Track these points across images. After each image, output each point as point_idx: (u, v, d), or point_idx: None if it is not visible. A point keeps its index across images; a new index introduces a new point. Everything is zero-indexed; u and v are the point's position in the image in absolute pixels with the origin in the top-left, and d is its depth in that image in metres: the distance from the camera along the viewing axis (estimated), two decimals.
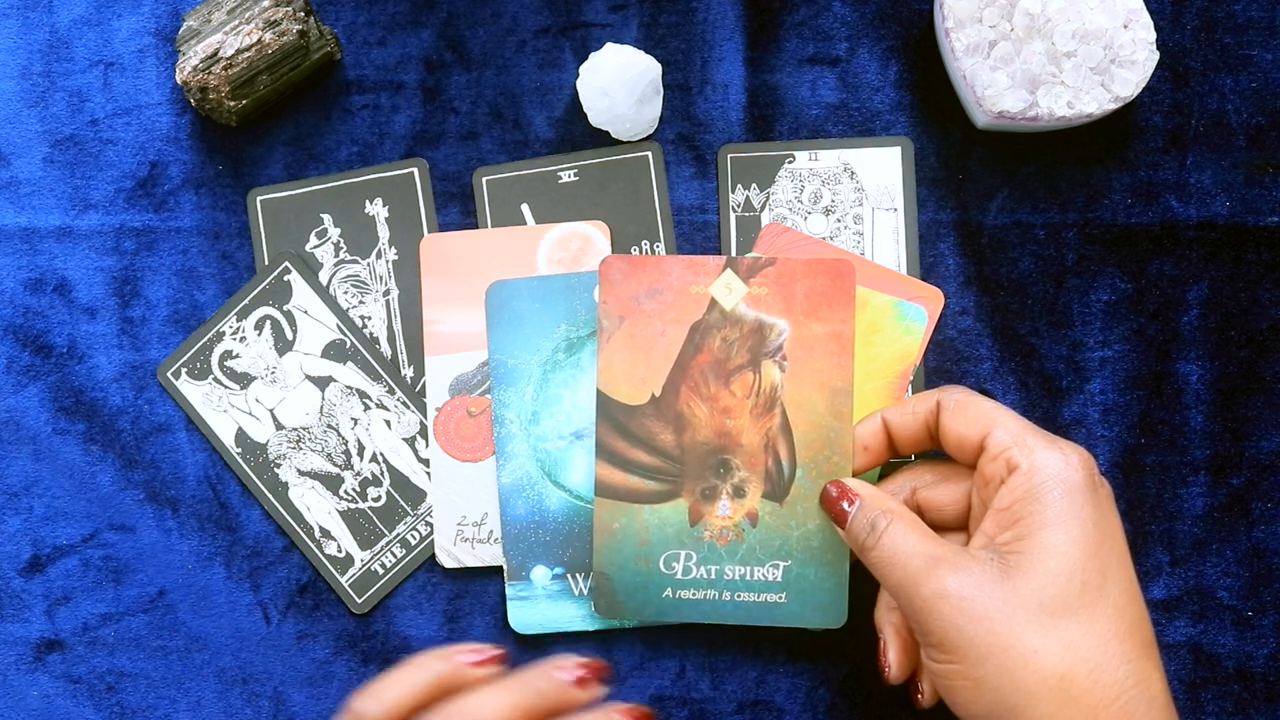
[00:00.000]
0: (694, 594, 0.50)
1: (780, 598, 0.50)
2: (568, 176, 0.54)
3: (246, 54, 0.51)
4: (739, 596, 0.50)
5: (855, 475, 0.49)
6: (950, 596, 0.42)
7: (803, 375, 0.50)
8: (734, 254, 0.53)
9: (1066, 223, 0.54)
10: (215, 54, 0.51)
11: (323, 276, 0.54)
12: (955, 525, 0.48)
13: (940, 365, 0.53)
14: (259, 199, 0.54)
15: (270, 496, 0.53)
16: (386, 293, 0.54)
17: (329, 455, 0.53)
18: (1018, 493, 0.43)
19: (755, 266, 0.50)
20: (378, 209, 0.54)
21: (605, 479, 0.51)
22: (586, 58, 0.53)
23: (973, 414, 0.46)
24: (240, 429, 0.53)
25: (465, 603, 0.53)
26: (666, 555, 0.50)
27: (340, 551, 0.53)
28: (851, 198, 0.54)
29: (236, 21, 0.51)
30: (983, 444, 0.45)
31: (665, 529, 0.50)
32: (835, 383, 0.50)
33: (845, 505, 0.47)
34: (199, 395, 0.54)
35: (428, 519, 0.53)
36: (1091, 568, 0.42)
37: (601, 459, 0.51)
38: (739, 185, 0.54)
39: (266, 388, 0.54)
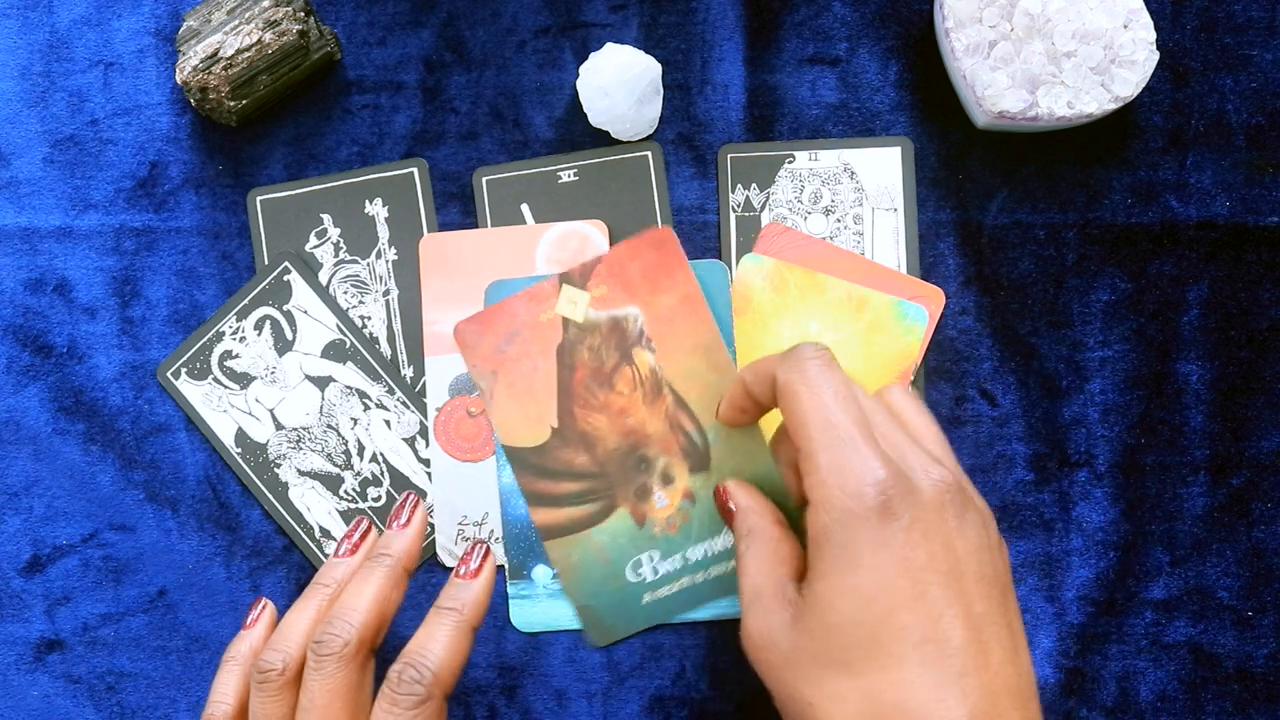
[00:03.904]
0: (670, 589, 0.51)
1: None
2: (568, 176, 0.54)
3: (246, 54, 0.51)
4: (711, 572, 0.51)
5: (729, 425, 0.47)
6: (750, 639, 0.41)
7: (672, 347, 0.51)
8: (734, 254, 0.54)
9: (1066, 223, 0.54)
10: (215, 54, 0.51)
11: (323, 276, 0.54)
12: None
13: (940, 365, 0.53)
14: (259, 199, 0.54)
15: (270, 496, 0.53)
16: (386, 293, 0.54)
17: (329, 455, 0.53)
18: (812, 529, 0.40)
19: (586, 271, 0.51)
20: (378, 209, 0.54)
21: (544, 522, 0.51)
22: (586, 58, 0.54)
23: (788, 409, 0.41)
24: (240, 429, 0.53)
25: None
26: (630, 564, 0.51)
27: None
28: (851, 198, 0.54)
29: (236, 21, 0.51)
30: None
31: (619, 540, 0.51)
32: (702, 340, 0.51)
33: (732, 508, 0.46)
34: (199, 395, 0.54)
35: (428, 519, 0.53)
36: (865, 618, 0.38)
37: (533, 506, 0.51)
38: (739, 185, 0.54)
39: (266, 388, 0.54)
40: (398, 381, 0.54)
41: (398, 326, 0.54)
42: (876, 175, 0.54)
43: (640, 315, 0.51)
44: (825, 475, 0.39)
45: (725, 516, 0.46)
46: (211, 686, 0.46)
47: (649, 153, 0.54)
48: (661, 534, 0.51)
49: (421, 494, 0.53)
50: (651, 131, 0.54)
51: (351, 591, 0.44)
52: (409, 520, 0.47)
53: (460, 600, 0.45)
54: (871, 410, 0.42)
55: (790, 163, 0.54)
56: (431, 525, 0.53)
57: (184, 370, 0.54)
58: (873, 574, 0.38)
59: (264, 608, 0.49)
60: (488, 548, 0.46)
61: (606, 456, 0.51)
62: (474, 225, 0.54)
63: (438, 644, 0.43)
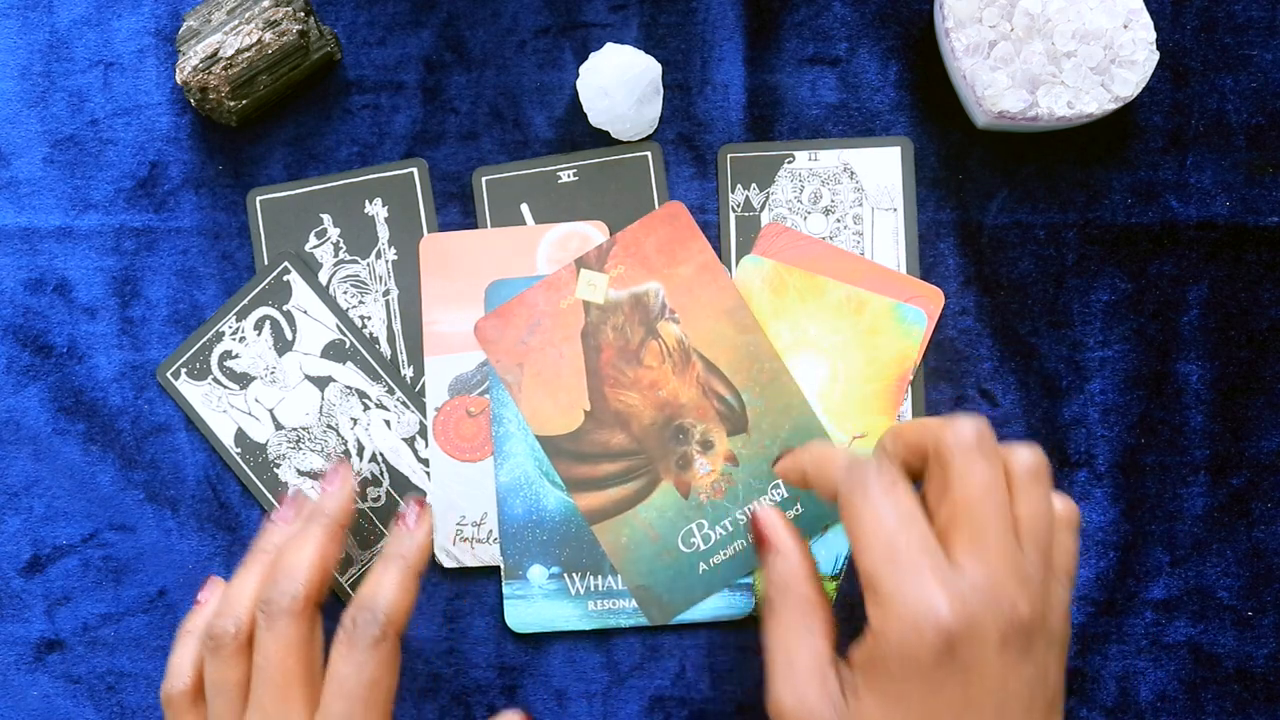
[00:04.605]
0: (724, 554, 0.51)
1: (797, 510, 0.51)
2: (567, 176, 0.54)
3: (246, 54, 0.51)
4: None
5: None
6: (782, 713, 0.40)
7: (696, 315, 0.52)
8: (734, 254, 0.54)
9: (1066, 223, 0.54)
10: (215, 54, 0.51)
11: (322, 276, 0.54)
12: None
13: (940, 365, 0.53)
14: (259, 199, 0.54)
15: (270, 496, 0.53)
16: (386, 293, 0.54)
17: (329, 455, 0.53)
18: (870, 650, 0.39)
19: (602, 254, 0.52)
20: (377, 209, 0.54)
21: (588, 506, 0.51)
22: (586, 58, 0.54)
23: (850, 528, 0.40)
24: (240, 429, 0.53)
25: (464, 603, 0.53)
26: (681, 535, 0.51)
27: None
28: (851, 198, 0.54)
29: (236, 21, 0.51)
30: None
31: (666, 514, 0.51)
32: (726, 304, 0.52)
33: (765, 539, 0.45)
34: (199, 395, 0.54)
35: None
36: None
37: (574, 492, 0.52)
38: (739, 185, 0.54)
39: (266, 388, 0.54)
40: (397, 381, 0.54)
41: (398, 326, 0.54)
42: (876, 175, 0.54)
43: (661, 289, 0.52)
44: (887, 606, 0.38)
45: (758, 544, 0.45)
46: (168, 661, 0.46)
47: (649, 153, 0.54)
48: (708, 500, 0.51)
49: (421, 493, 0.53)
50: (651, 131, 0.54)
51: (292, 550, 0.45)
52: (338, 482, 0.48)
53: (405, 547, 0.46)
54: (976, 499, 0.40)
55: (790, 163, 0.54)
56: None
57: (184, 370, 0.54)
58: (920, 714, 0.38)
59: (215, 584, 0.49)
60: (424, 502, 0.48)
61: (643, 432, 0.51)
62: (474, 225, 0.54)
63: (386, 588, 0.44)
